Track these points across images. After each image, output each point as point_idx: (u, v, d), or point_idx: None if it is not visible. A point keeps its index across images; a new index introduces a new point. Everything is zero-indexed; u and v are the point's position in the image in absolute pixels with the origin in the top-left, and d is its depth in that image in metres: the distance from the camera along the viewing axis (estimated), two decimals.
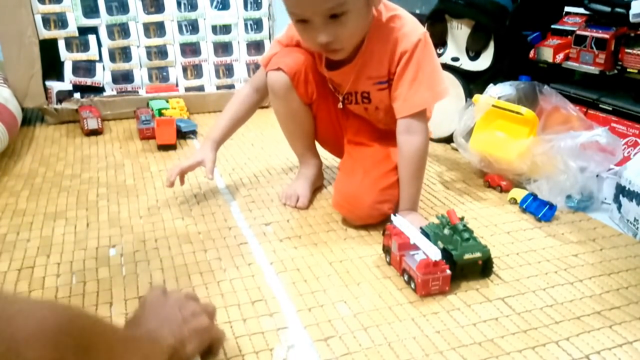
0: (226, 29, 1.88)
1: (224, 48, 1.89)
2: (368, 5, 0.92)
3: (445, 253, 0.85)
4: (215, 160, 1.12)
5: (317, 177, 1.21)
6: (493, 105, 1.28)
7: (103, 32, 1.75)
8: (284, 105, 1.10)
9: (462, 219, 0.89)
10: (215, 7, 1.85)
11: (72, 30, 1.71)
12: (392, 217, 0.93)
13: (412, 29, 0.98)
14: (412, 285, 0.83)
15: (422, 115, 1.01)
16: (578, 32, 1.36)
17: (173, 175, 1.10)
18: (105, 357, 0.43)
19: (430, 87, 1.00)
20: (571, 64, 1.39)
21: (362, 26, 0.95)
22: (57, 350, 0.36)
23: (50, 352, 0.36)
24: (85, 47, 1.74)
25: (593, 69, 1.34)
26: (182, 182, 1.14)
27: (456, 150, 1.44)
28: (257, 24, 1.91)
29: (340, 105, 1.11)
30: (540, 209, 1.09)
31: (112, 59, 1.77)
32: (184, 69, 1.86)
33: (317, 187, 1.22)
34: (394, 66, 1.00)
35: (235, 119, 1.15)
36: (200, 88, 1.89)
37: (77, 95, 1.75)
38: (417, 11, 1.70)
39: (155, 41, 1.81)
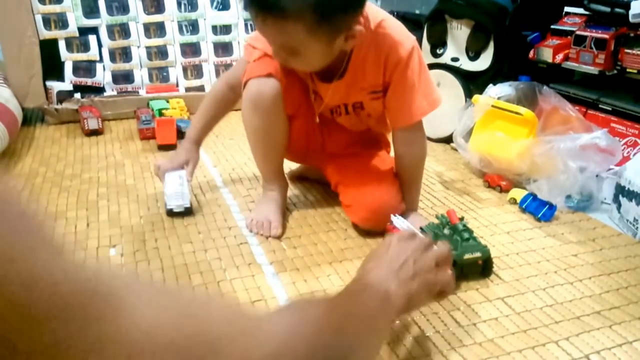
0: (226, 29, 1.88)
1: (224, 48, 1.90)
2: (330, 46, 0.85)
3: None
4: (198, 160, 1.14)
5: (284, 199, 1.11)
6: (492, 106, 1.28)
7: (103, 33, 1.75)
8: (265, 119, 0.98)
9: (462, 219, 0.90)
10: (216, 8, 1.85)
11: (72, 30, 1.71)
12: (392, 217, 0.93)
13: (404, 37, 0.93)
14: None
15: (420, 124, 1.00)
16: (578, 33, 1.36)
17: (160, 178, 1.11)
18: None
19: (425, 95, 0.97)
20: (571, 64, 1.39)
21: (322, 60, 0.89)
22: None
23: None
24: (85, 47, 1.74)
25: (593, 69, 1.34)
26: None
27: (456, 150, 1.44)
28: None
29: (317, 119, 1.05)
30: (540, 209, 1.09)
31: (113, 59, 1.77)
32: (184, 69, 1.86)
33: (284, 210, 1.10)
34: (388, 75, 0.94)
35: (212, 118, 1.13)
36: (201, 88, 1.89)
37: (77, 95, 1.75)
38: (417, 11, 1.70)
39: (156, 41, 1.81)
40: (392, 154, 1.11)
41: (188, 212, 1.08)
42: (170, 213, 1.08)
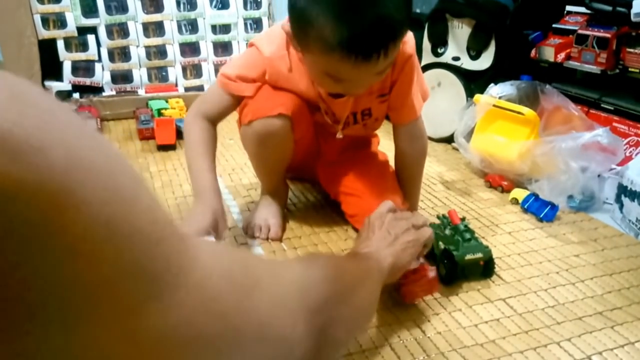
0: (226, 28, 1.88)
1: (223, 47, 1.89)
2: None
3: (447, 253, 0.85)
4: (225, 215, 0.89)
5: (285, 204, 1.10)
6: (494, 105, 1.27)
7: (102, 32, 1.74)
8: (273, 152, 0.96)
9: (463, 219, 0.89)
10: (215, 7, 1.85)
11: (71, 30, 1.70)
12: None
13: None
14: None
15: (420, 118, 1.00)
16: (579, 32, 1.35)
17: None
18: (353, 292, 0.56)
19: (420, 87, 0.99)
20: (573, 64, 1.38)
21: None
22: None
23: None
24: (84, 47, 1.74)
25: (594, 69, 1.33)
26: None
27: (457, 150, 1.43)
28: (257, 23, 1.91)
29: (339, 135, 1.01)
30: (541, 209, 1.09)
31: (112, 59, 1.77)
32: (184, 69, 1.86)
33: (284, 213, 1.08)
34: (396, 74, 0.93)
35: (212, 160, 0.91)
36: (200, 88, 1.88)
37: (76, 95, 1.75)
38: (418, 10, 1.69)
39: (155, 41, 1.80)
40: (380, 147, 1.12)
41: None
42: None
